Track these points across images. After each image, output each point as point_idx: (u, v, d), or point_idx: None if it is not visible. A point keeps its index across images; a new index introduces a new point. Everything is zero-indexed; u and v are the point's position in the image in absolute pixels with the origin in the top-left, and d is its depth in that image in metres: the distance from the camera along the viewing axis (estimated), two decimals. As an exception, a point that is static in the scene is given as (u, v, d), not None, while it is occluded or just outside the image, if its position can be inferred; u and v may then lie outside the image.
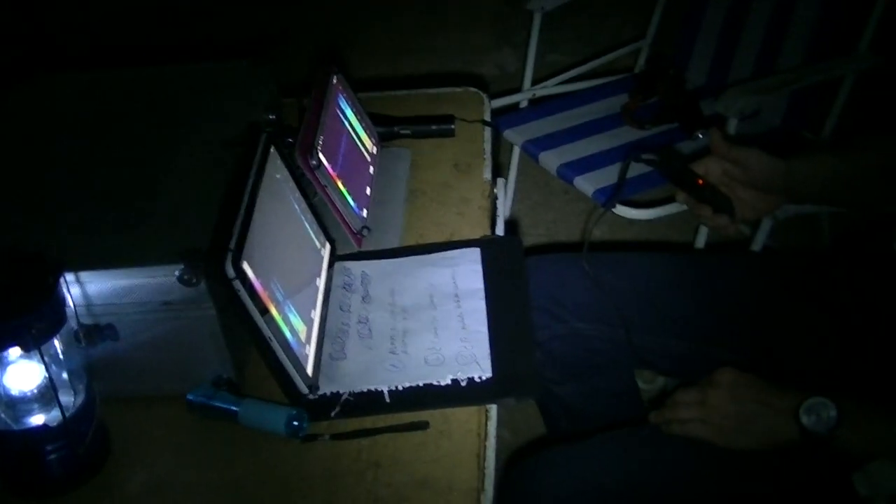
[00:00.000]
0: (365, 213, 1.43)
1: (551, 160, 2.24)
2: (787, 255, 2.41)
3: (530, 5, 2.42)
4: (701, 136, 2.31)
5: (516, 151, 2.49)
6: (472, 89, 1.79)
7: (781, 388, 1.28)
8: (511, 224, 1.51)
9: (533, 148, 2.30)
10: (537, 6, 2.42)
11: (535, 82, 2.62)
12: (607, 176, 2.16)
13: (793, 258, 1.77)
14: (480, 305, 1.27)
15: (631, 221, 2.12)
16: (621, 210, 2.06)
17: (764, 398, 1.28)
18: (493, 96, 2.42)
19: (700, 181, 1.35)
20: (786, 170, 1.39)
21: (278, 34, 2.75)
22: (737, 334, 1.53)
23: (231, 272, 1.02)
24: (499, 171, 1.62)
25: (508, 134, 2.36)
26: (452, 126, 1.62)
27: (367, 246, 1.40)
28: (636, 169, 1.43)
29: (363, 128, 1.57)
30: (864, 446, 1.21)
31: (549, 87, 2.61)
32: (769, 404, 1.27)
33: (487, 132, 1.65)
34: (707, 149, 1.39)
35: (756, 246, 1.87)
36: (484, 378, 1.16)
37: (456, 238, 1.42)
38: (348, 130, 1.50)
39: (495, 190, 1.52)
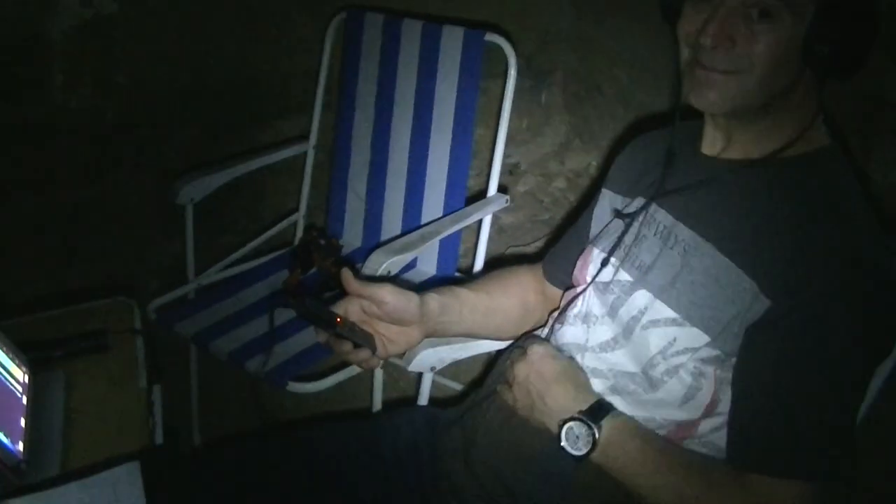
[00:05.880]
0: (21, 445, 1.41)
1: (221, 348, 2.24)
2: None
3: (180, 199, 2.42)
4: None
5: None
6: (122, 298, 1.80)
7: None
8: (172, 430, 1.53)
9: (202, 339, 2.30)
10: (186, 199, 2.42)
11: (205, 268, 2.60)
12: (275, 356, 2.17)
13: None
14: (144, 520, 1.28)
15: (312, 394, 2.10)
16: (294, 387, 2.07)
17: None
18: (163, 290, 2.44)
19: (339, 320, 1.40)
20: (419, 302, 1.48)
21: None
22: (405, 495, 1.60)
23: None
24: (160, 374, 1.64)
25: (179, 327, 2.34)
26: (104, 341, 1.63)
27: (28, 478, 1.38)
28: (303, 343, 1.46)
29: (10, 358, 1.55)
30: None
31: (213, 275, 2.61)
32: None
33: (140, 340, 1.67)
34: None
35: (422, 399, 1.95)
36: None
37: (116, 454, 1.41)
38: (-10, 366, 1.48)
39: (152, 398, 1.54)
